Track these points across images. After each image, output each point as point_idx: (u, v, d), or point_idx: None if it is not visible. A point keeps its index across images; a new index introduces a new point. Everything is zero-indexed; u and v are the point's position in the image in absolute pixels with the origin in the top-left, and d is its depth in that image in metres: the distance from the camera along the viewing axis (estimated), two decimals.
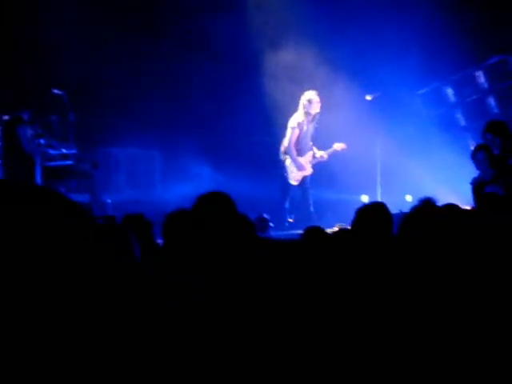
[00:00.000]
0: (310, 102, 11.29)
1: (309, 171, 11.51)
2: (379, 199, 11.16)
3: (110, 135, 12.68)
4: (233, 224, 3.61)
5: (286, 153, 11.47)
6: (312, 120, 11.41)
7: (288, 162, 11.47)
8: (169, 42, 13.10)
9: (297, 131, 11.33)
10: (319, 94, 11.36)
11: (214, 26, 12.74)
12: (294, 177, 11.47)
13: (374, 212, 4.57)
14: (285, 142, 11.46)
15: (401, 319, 3.19)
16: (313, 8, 12.66)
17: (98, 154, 12.56)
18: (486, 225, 3.38)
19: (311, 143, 11.56)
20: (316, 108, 11.33)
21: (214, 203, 3.80)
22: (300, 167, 11.41)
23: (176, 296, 3.28)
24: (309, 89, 11.50)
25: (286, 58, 12.90)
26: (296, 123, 11.32)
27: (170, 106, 13.26)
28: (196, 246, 3.55)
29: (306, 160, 11.47)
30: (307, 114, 11.33)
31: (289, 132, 11.37)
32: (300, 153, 11.45)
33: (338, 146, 11.53)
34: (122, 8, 12.83)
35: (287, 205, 11.52)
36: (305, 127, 11.38)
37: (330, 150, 11.55)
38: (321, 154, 11.54)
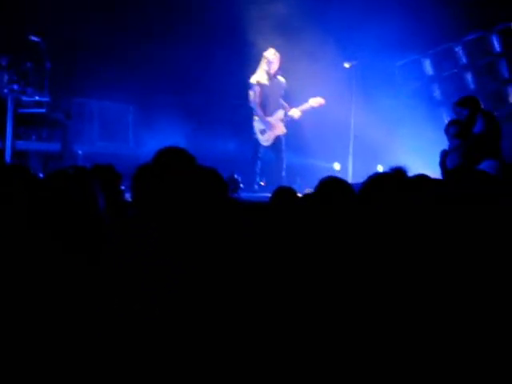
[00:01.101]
0: (268, 60, 11.15)
1: (280, 130, 11.25)
2: (350, 168, 11.19)
3: (86, 86, 12.56)
4: (192, 178, 3.61)
5: (252, 113, 11.30)
6: (274, 77, 11.22)
7: (256, 121, 11.28)
8: (153, 4, 13.00)
9: (258, 89, 11.11)
10: (278, 52, 11.18)
11: None
12: (264, 137, 11.31)
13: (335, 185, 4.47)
14: (250, 101, 11.27)
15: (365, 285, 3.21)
16: None
17: (72, 104, 12.46)
18: (449, 196, 3.40)
19: (283, 102, 11.36)
20: (275, 67, 11.15)
21: (172, 158, 3.78)
22: (269, 126, 11.21)
23: (133, 250, 3.26)
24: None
25: (270, 17, 12.79)
26: (255, 81, 11.13)
27: (147, 59, 13.14)
28: (156, 200, 3.53)
29: (275, 118, 11.23)
30: (267, 73, 11.15)
31: (250, 92, 11.20)
32: (268, 112, 11.21)
33: (315, 102, 11.21)
34: None
35: (258, 166, 11.37)
36: (266, 87, 11.14)
37: (303, 106, 11.24)
38: (294, 111, 11.26)
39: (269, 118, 11.23)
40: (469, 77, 13.26)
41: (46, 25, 11.41)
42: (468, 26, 12.91)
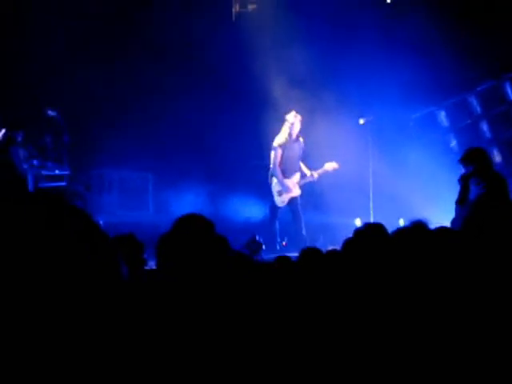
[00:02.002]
0: (291, 123, 11.30)
1: (296, 192, 11.40)
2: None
3: (104, 157, 12.68)
4: (207, 246, 3.66)
5: (271, 174, 11.42)
6: (296, 140, 11.38)
7: (274, 183, 11.42)
8: (162, 63, 13.16)
9: (279, 151, 11.26)
10: (300, 114, 11.32)
11: (208, 48, 12.84)
12: (281, 198, 11.41)
13: (372, 233, 4.54)
14: (270, 164, 11.43)
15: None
16: (308, 33, 12.74)
17: (91, 175, 12.59)
18: (469, 248, 3.43)
19: (301, 164, 11.50)
20: (296, 129, 11.31)
21: (189, 226, 3.85)
22: (286, 189, 11.34)
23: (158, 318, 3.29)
24: (304, 110, 11.55)
25: (280, 82, 12.94)
26: (277, 144, 11.28)
27: (165, 128, 13.29)
28: (177, 268, 3.58)
29: (292, 181, 11.38)
30: (289, 135, 11.31)
31: (272, 153, 11.36)
32: (286, 174, 11.37)
33: (330, 166, 11.42)
34: (111, 29, 12.87)
35: (276, 227, 11.46)
36: (288, 149, 11.30)
37: (320, 170, 11.45)
38: (311, 173, 11.44)
39: (286, 181, 11.34)
40: (484, 126, 13.28)
41: (62, 99, 11.58)
42: (481, 75, 12.98)
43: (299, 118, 11.32)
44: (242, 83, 13.05)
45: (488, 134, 13.29)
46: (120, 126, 12.89)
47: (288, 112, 11.40)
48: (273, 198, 11.46)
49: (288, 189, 11.35)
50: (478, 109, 13.30)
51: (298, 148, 11.41)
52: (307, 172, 11.46)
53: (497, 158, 13.21)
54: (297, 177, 11.44)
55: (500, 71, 12.96)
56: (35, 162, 10.55)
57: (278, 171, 11.33)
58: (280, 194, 11.38)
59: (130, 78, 13.00)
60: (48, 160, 10.86)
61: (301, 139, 11.43)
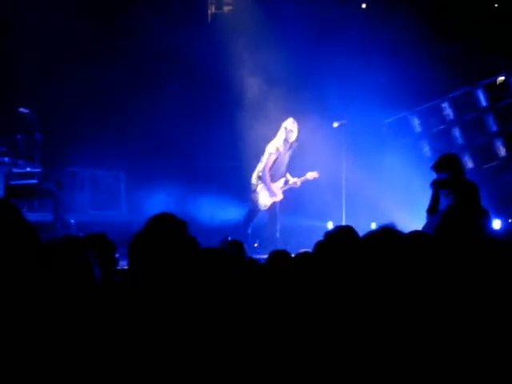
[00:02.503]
0: (290, 129, 11.32)
1: (279, 197, 11.47)
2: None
3: (76, 155, 12.61)
4: (179, 245, 3.66)
5: (260, 178, 11.42)
6: (289, 148, 11.40)
7: (260, 187, 11.43)
8: (136, 63, 13.13)
9: (273, 157, 11.30)
10: (297, 123, 11.38)
11: (183, 49, 12.81)
12: (265, 202, 11.43)
13: (342, 236, 4.57)
14: (259, 167, 11.42)
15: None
16: (284, 35, 12.76)
17: (63, 173, 12.49)
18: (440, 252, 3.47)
19: (284, 170, 11.52)
20: (294, 136, 11.35)
21: (161, 225, 3.85)
22: (272, 193, 11.38)
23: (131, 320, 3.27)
24: (279, 112, 11.57)
25: (256, 84, 12.96)
26: (275, 149, 11.31)
27: (138, 126, 13.24)
28: (150, 267, 3.57)
29: (277, 186, 11.44)
30: (285, 141, 11.33)
31: (265, 157, 11.35)
32: (272, 179, 11.41)
33: (311, 175, 11.50)
34: (86, 30, 12.82)
35: (250, 230, 11.48)
36: (282, 154, 11.37)
37: (302, 178, 11.51)
38: (294, 180, 11.49)
39: (273, 185, 11.39)
40: (457, 132, 13.38)
41: (34, 96, 11.50)
42: (454, 82, 13.08)
43: (297, 125, 11.34)
44: (217, 84, 13.06)
45: (460, 140, 13.39)
46: (93, 124, 12.84)
47: (272, 114, 11.48)
48: (253, 201, 11.46)
49: (273, 193, 11.38)
50: (451, 115, 13.39)
51: (288, 155, 11.45)
52: (290, 179, 11.50)
53: (469, 163, 13.31)
54: (281, 182, 11.50)
55: (473, 78, 13.06)
56: (6, 159, 10.45)
57: (267, 175, 11.36)
58: (264, 197, 11.42)
59: (103, 77, 12.93)
60: (19, 158, 10.76)
61: (294, 146, 11.46)
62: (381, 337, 3.20)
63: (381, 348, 3.17)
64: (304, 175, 11.53)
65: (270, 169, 11.37)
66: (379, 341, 3.19)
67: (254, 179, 11.48)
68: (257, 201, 11.47)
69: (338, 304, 3.48)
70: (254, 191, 11.47)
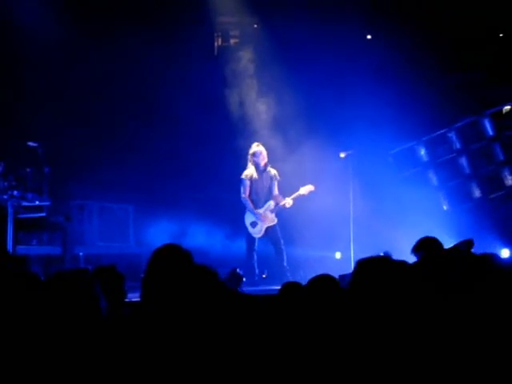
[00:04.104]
0: (254, 155, 11.35)
1: (270, 221, 11.39)
2: (352, 257, 11.18)
3: (84, 188, 12.66)
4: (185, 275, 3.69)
5: (244, 206, 11.43)
6: (264, 170, 11.39)
7: (246, 215, 11.43)
8: (145, 96, 13.23)
9: (247, 183, 11.32)
10: (263, 145, 11.42)
11: (191, 81, 12.92)
12: (255, 230, 11.39)
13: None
14: (241, 195, 11.42)
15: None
16: (290, 67, 12.85)
17: (72, 206, 12.53)
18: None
19: (274, 193, 11.43)
20: (263, 159, 11.35)
21: (167, 256, 3.87)
22: (259, 217, 11.33)
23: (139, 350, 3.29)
24: (284, 145, 11.60)
25: (262, 114, 13.02)
26: (244, 175, 11.37)
27: (146, 159, 13.32)
28: (160, 298, 3.59)
29: (265, 210, 11.37)
30: (256, 166, 11.35)
31: (241, 185, 11.39)
32: (258, 204, 11.38)
33: (305, 190, 11.39)
34: (94, 62, 12.90)
35: (254, 259, 11.40)
36: (256, 180, 11.35)
37: (294, 195, 11.39)
38: (285, 201, 11.38)
39: (259, 210, 11.35)
40: (464, 161, 13.39)
41: (43, 130, 11.59)
42: (460, 111, 13.11)
43: (262, 148, 11.37)
44: (225, 115, 13.09)
45: (467, 169, 13.39)
46: (101, 157, 12.91)
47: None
48: (247, 230, 11.45)
49: (261, 217, 11.34)
50: (458, 144, 13.41)
51: (266, 178, 11.43)
52: (280, 200, 11.41)
53: (476, 193, 13.32)
54: (270, 204, 11.41)
55: (479, 107, 13.09)
56: (15, 192, 10.48)
57: (248, 202, 11.37)
58: (254, 225, 11.39)
59: (111, 110, 13.04)
60: (28, 191, 10.80)
61: (272, 170, 11.45)
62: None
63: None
64: (295, 192, 11.41)
65: (249, 195, 11.36)
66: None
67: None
68: (247, 229, 11.43)
69: (353, 337, 3.49)
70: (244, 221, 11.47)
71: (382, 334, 3.31)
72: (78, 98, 12.60)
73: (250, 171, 11.39)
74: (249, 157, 11.42)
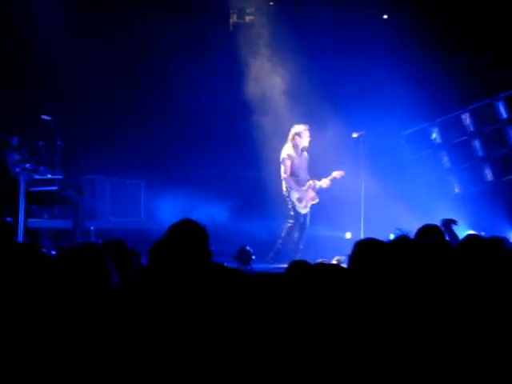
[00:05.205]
0: (298, 135, 11.29)
1: (313, 199, 11.37)
2: (362, 237, 11.18)
3: (97, 163, 12.69)
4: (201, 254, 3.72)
5: (287, 186, 11.27)
6: (301, 152, 11.36)
7: (291, 193, 11.26)
8: (162, 72, 13.23)
9: (288, 162, 11.21)
10: (309, 129, 11.35)
11: (203, 54, 12.93)
12: (302, 204, 11.30)
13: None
14: (282, 175, 11.30)
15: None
16: (304, 46, 12.80)
17: (84, 181, 12.57)
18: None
19: (306, 175, 11.41)
20: (304, 142, 11.30)
21: (184, 233, 3.90)
22: (304, 195, 11.27)
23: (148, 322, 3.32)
24: (299, 122, 11.54)
25: (276, 91, 13.00)
26: (286, 155, 11.24)
27: (159, 134, 13.32)
28: (171, 269, 3.63)
29: (307, 188, 11.33)
30: (295, 146, 11.31)
31: (282, 165, 11.28)
32: (300, 184, 11.33)
33: (337, 174, 11.42)
34: (112, 37, 12.89)
35: (298, 236, 11.36)
36: (296, 160, 11.29)
37: (330, 177, 11.41)
38: (324, 181, 11.38)
39: (302, 188, 11.32)
40: (477, 144, 13.34)
41: (57, 104, 11.62)
42: (474, 93, 13.05)
43: (307, 131, 11.30)
44: (238, 91, 13.06)
45: (480, 152, 13.35)
46: (114, 132, 12.93)
47: (292, 123, 11.47)
48: (291, 211, 11.30)
49: (306, 194, 11.29)
50: (471, 126, 13.35)
51: (305, 158, 11.41)
52: (317, 182, 11.39)
53: (488, 176, 13.28)
54: (310, 184, 11.38)
55: (494, 90, 13.02)
56: (28, 165, 10.54)
57: (291, 180, 11.25)
58: (300, 200, 11.29)
59: (125, 86, 13.05)
60: (40, 164, 10.85)
61: (305, 153, 11.42)
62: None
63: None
64: (329, 176, 11.44)
65: (291, 175, 11.33)
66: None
67: (284, 190, 11.37)
68: (295, 207, 11.30)
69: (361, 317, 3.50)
70: (288, 201, 11.33)
71: (383, 314, 3.33)
72: (92, 73, 12.58)
73: (290, 151, 11.30)
74: (290, 135, 11.31)
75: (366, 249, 4.26)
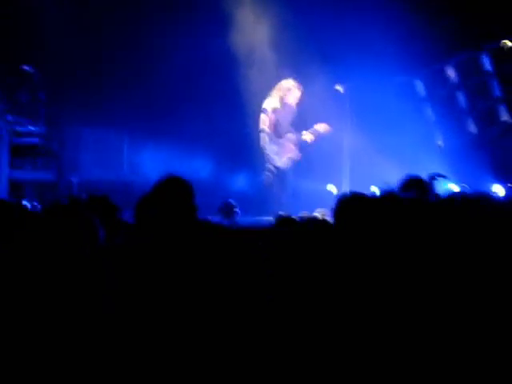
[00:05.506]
0: (287, 90, 11.10)
1: (293, 153, 11.16)
2: (344, 189, 11.20)
3: (79, 115, 12.59)
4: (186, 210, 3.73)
5: (265, 138, 11.04)
6: (286, 107, 11.13)
7: (268, 146, 11.07)
8: (143, 28, 13.07)
9: (271, 115, 11.02)
10: (298, 85, 11.15)
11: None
12: (281, 158, 11.12)
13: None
14: (260, 126, 11.06)
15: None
16: None
17: (67, 132, 12.47)
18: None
19: (290, 128, 11.22)
20: (291, 98, 11.11)
21: (170, 189, 3.90)
22: (282, 147, 11.08)
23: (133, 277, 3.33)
24: (285, 75, 11.39)
25: (262, 44, 12.88)
26: (270, 108, 11.04)
27: (144, 87, 13.21)
28: (157, 225, 3.64)
29: (286, 140, 11.12)
30: (281, 100, 11.12)
31: (263, 116, 11.05)
32: (279, 136, 11.10)
33: (321, 127, 11.16)
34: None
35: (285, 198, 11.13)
36: (280, 113, 11.08)
37: (311, 130, 11.14)
38: (306, 134, 11.13)
39: (282, 140, 11.12)
40: (461, 96, 13.33)
41: (40, 55, 11.48)
42: (458, 46, 12.99)
43: (296, 88, 11.10)
44: (224, 45, 12.92)
45: (464, 105, 13.34)
46: (98, 84, 12.81)
47: (278, 76, 11.32)
48: (271, 162, 11.14)
49: (284, 146, 11.11)
50: (455, 79, 13.33)
51: (288, 113, 11.17)
52: (299, 136, 11.18)
53: (471, 128, 13.30)
54: (290, 136, 11.16)
55: (478, 42, 12.97)
56: (9, 117, 10.45)
57: (270, 133, 11.04)
58: (278, 153, 11.10)
59: (113, 37, 12.89)
60: (23, 116, 10.77)
61: (291, 107, 11.20)
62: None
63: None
64: (311, 128, 11.19)
65: (273, 128, 11.09)
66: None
67: (261, 143, 11.14)
68: (273, 160, 11.12)
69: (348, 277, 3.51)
70: (266, 154, 11.13)
71: (371, 272, 3.35)
72: (76, 23, 12.42)
73: (275, 104, 11.08)
74: (278, 89, 11.11)
75: (349, 205, 4.26)
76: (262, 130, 11.06)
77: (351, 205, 4.24)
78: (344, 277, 3.39)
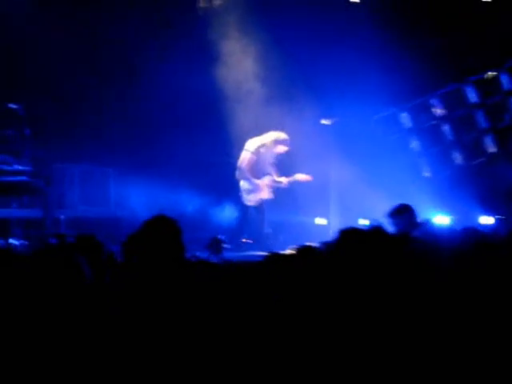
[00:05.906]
0: (276, 142, 11.18)
1: (266, 194, 11.30)
2: (332, 222, 11.21)
3: (65, 151, 12.55)
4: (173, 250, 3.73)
5: (240, 174, 11.27)
6: (272, 154, 11.27)
7: (242, 182, 11.28)
8: (131, 62, 13.09)
9: (252, 157, 11.16)
10: (287, 141, 11.22)
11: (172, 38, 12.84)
12: (250, 197, 11.26)
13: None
14: (239, 163, 11.26)
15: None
16: (274, 30, 12.73)
17: (53, 169, 12.43)
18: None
19: (270, 169, 11.38)
20: (280, 149, 11.19)
21: (159, 228, 3.91)
22: (256, 188, 11.25)
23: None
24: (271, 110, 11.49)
25: (248, 78, 12.92)
26: (254, 149, 11.19)
27: (127, 123, 13.20)
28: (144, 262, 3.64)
29: (263, 182, 11.30)
30: (267, 147, 11.20)
31: (244, 154, 11.22)
32: (256, 177, 11.27)
33: (301, 177, 11.34)
34: (79, 27, 12.75)
35: (244, 228, 11.32)
36: (261, 157, 11.22)
37: (290, 179, 11.35)
38: (281, 179, 11.32)
39: (257, 181, 11.23)
40: (446, 128, 13.41)
41: (25, 92, 11.47)
42: (443, 78, 13.09)
43: (286, 142, 11.18)
44: (209, 77, 12.97)
45: (450, 136, 13.42)
46: (81, 120, 12.81)
47: (264, 111, 11.40)
48: (241, 198, 11.32)
49: (258, 188, 11.23)
50: (441, 111, 13.41)
51: (270, 156, 11.30)
52: (277, 178, 11.33)
53: (458, 160, 13.36)
54: (267, 179, 11.32)
55: (463, 75, 13.07)
56: None
57: (248, 173, 11.18)
58: (249, 192, 11.25)
59: (93, 73, 12.91)
60: (8, 154, 10.72)
61: (275, 151, 11.30)
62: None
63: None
64: (292, 175, 11.37)
65: (250, 168, 11.18)
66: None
67: (237, 176, 11.34)
68: (242, 196, 11.29)
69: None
70: (238, 187, 11.31)
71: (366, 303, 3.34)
72: (59, 61, 12.42)
73: (260, 148, 11.20)
74: (268, 138, 11.21)
75: (351, 237, 4.23)
76: (239, 168, 11.22)
77: (351, 238, 4.22)
78: (343, 311, 3.38)
